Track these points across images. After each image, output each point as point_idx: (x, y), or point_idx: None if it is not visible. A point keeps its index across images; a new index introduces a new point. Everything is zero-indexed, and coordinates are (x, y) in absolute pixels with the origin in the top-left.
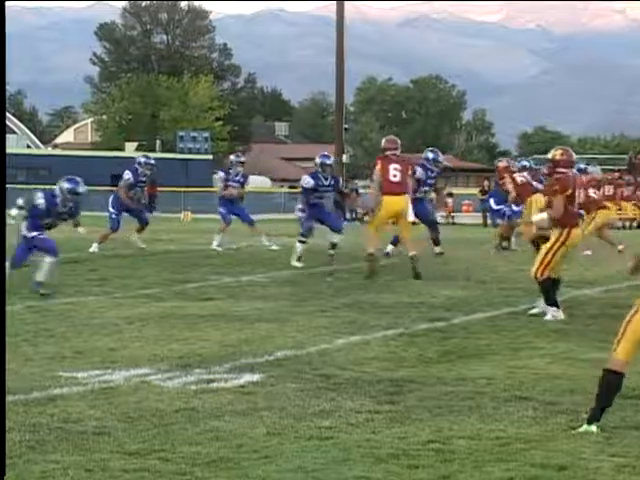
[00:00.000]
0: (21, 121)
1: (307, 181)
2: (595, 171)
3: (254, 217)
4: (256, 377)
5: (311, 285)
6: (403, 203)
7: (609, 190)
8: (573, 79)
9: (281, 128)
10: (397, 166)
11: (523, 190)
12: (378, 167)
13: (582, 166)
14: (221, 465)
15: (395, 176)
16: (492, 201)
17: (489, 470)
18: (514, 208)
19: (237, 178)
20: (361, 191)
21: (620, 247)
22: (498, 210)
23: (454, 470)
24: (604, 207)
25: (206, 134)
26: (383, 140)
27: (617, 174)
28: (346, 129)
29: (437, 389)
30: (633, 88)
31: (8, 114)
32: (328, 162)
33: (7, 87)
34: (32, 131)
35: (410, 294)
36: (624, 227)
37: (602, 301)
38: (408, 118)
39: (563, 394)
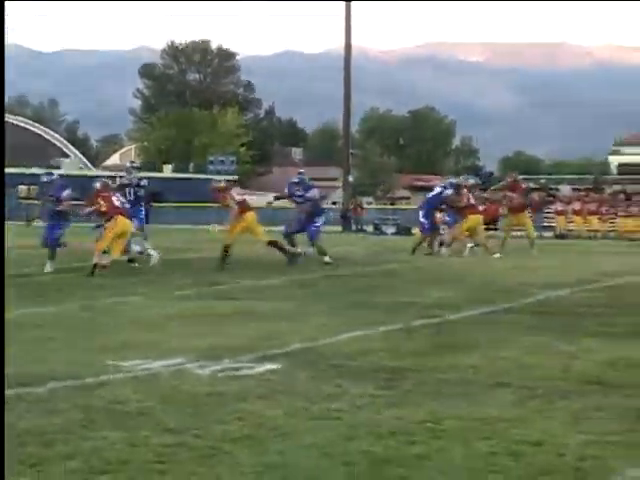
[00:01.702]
0: (75, 146)
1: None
2: (566, 190)
3: (276, 229)
4: (275, 366)
5: (321, 287)
6: None
7: (577, 206)
8: (548, 111)
9: (296, 153)
10: None
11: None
12: None
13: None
14: (245, 442)
15: None
16: (420, 213)
17: (476, 446)
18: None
19: None
20: (365, 206)
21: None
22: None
23: (445, 446)
24: (474, 212)
25: (232, 158)
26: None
27: (583, 192)
28: (352, 154)
29: (431, 376)
30: (598, 119)
31: (64, 140)
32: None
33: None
34: (85, 155)
35: (406, 295)
36: (590, 238)
37: (569, 301)
38: (405, 144)
39: (538, 381)
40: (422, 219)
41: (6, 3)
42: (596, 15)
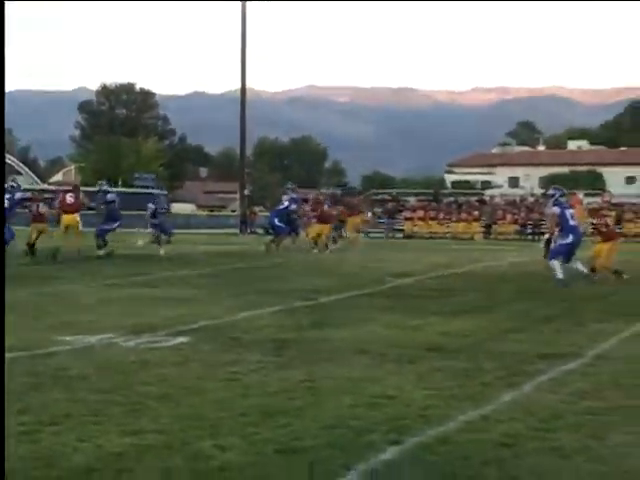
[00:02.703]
0: (26, 166)
1: None
2: (412, 201)
3: (185, 231)
4: (186, 339)
5: (225, 278)
6: None
7: (421, 213)
8: (398, 140)
9: (203, 171)
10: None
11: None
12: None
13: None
14: (163, 399)
15: None
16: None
17: (342, 399)
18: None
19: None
20: (257, 213)
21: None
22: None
23: (319, 400)
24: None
25: (153, 176)
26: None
27: (426, 203)
28: (247, 172)
29: (308, 346)
30: (436, 146)
31: (17, 160)
32: None
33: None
34: (34, 173)
35: (291, 283)
36: (431, 238)
37: (415, 287)
38: (289, 165)
39: (392, 348)
40: (278, 223)
41: (6, 3)
42: (436, 64)
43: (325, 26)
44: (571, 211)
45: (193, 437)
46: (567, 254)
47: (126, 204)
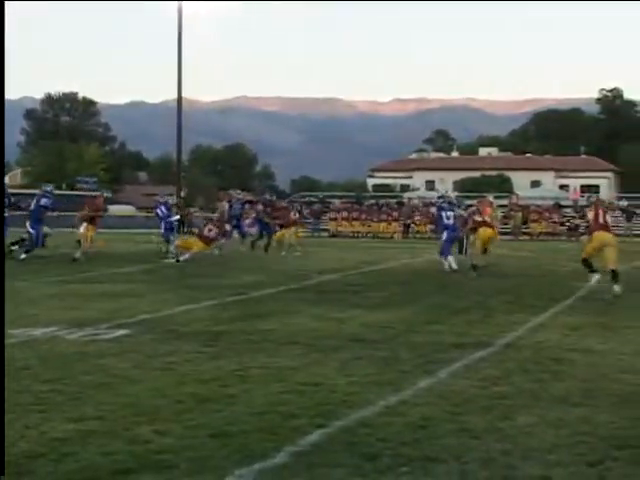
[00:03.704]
0: None
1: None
2: (337, 202)
3: (126, 231)
4: (126, 332)
5: (163, 274)
6: None
7: (345, 214)
8: (324, 147)
9: (142, 176)
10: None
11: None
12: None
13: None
14: (104, 387)
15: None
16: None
17: (272, 387)
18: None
19: None
20: (193, 214)
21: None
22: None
23: (250, 388)
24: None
25: (95, 179)
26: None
27: (349, 204)
28: (183, 176)
29: (240, 337)
30: (359, 152)
31: None
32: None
33: None
34: None
35: (225, 278)
36: (354, 237)
37: (340, 282)
38: (222, 170)
39: (318, 339)
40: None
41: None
42: (358, 76)
43: (254, 39)
44: (448, 213)
45: (132, 423)
46: (446, 248)
47: (70, 205)
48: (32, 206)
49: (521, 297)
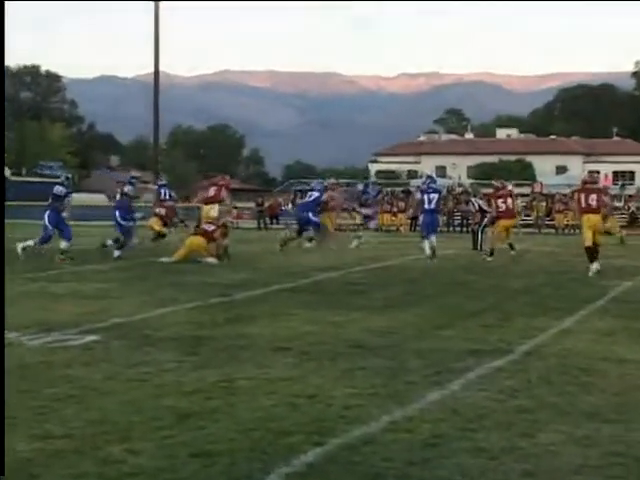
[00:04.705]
0: None
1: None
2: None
3: (94, 223)
4: (96, 337)
5: (138, 271)
6: None
7: (345, 205)
8: (322, 128)
9: (114, 160)
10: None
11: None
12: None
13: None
14: (71, 401)
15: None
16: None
17: (261, 400)
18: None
19: None
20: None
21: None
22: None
23: (236, 401)
24: None
25: (60, 163)
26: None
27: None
28: (161, 161)
29: (225, 343)
30: (361, 135)
31: None
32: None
33: None
34: None
35: (207, 277)
36: (357, 230)
37: (339, 281)
38: (205, 154)
39: (313, 346)
40: (314, 218)
41: (6, 3)
42: (361, 49)
43: (241, 2)
44: (431, 196)
45: (103, 441)
46: (425, 231)
47: (32, 194)
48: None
49: (544, 298)
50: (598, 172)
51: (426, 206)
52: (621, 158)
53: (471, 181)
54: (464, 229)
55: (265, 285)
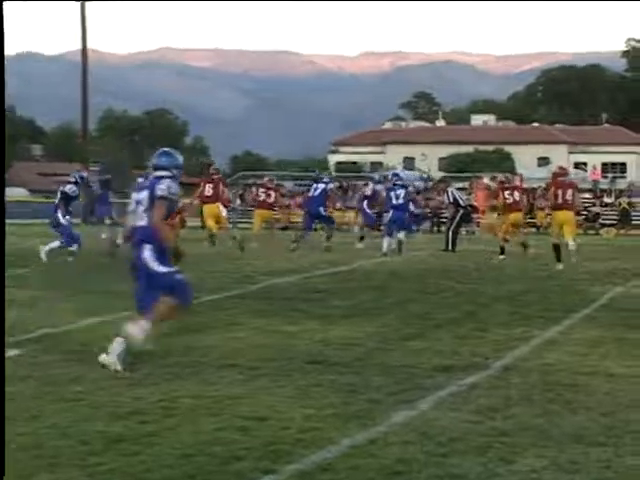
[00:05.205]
0: None
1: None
2: (289, 185)
3: (21, 221)
4: (19, 352)
5: (68, 277)
6: None
7: (300, 199)
8: (273, 114)
9: (36, 149)
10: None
11: None
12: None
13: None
14: None
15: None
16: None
17: (205, 422)
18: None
19: None
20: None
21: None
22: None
23: (177, 423)
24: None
25: None
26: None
27: (306, 187)
28: (91, 150)
29: (166, 359)
30: (319, 122)
31: None
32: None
33: None
34: None
35: None
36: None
37: (294, 287)
38: (141, 141)
39: (265, 361)
40: (325, 213)
41: (5, 3)
42: (319, 25)
43: None
44: (398, 192)
45: (27, 469)
46: (389, 228)
47: None
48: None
49: (525, 306)
50: (585, 164)
51: (394, 201)
52: (611, 148)
53: (443, 174)
54: (434, 228)
55: (212, 291)
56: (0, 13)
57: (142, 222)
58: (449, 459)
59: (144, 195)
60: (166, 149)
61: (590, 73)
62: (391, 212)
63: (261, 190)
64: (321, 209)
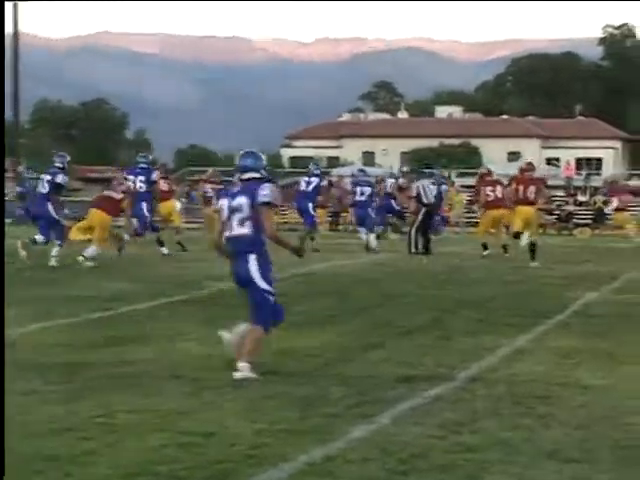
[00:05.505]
0: None
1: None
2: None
3: None
4: None
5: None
6: None
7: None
8: (224, 105)
9: None
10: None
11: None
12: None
13: None
14: None
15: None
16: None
17: (147, 439)
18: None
19: None
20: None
21: None
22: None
23: (117, 440)
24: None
25: None
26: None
27: None
28: (23, 144)
29: (105, 370)
30: (271, 113)
31: None
32: None
33: None
34: None
35: (85, 288)
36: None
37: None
38: (77, 135)
39: (212, 372)
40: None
41: (6, 3)
42: (271, 9)
43: None
44: (364, 189)
45: None
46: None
47: None
48: None
49: (493, 312)
50: (558, 159)
51: (357, 198)
52: (586, 143)
53: (405, 169)
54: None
55: (152, 297)
56: (0, 13)
57: (243, 230)
58: (411, 477)
59: (243, 201)
60: (250, 150)
61: (563, 62)
62: (355, 208)
63: (208, 186)
64: (310, 206)
